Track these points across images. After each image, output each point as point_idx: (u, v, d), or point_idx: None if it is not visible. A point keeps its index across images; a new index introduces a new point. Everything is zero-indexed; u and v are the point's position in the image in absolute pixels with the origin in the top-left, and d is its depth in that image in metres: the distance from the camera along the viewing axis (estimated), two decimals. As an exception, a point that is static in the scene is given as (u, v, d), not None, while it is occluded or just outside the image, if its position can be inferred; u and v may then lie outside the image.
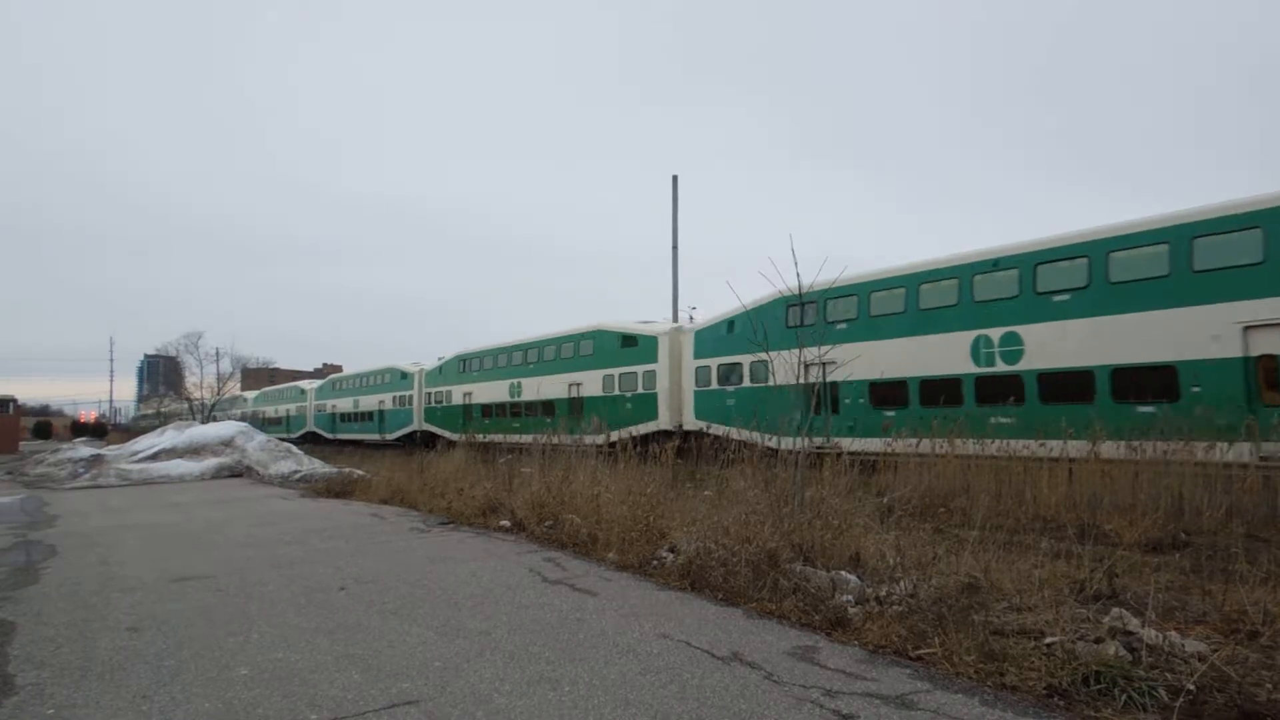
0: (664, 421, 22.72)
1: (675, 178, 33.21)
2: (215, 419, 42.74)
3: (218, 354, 55.54)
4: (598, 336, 25.85)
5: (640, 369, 23.86)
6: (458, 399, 33.63)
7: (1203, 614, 4.77)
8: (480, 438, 22.84)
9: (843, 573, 5.50)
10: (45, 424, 76.86)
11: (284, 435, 40.68)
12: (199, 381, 54.90)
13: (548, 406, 27.52)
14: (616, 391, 24.69)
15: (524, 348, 29.85)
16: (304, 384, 54.44)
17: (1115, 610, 4.46)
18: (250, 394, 62.43)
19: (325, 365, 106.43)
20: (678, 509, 7.88)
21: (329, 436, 44.91)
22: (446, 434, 32.76)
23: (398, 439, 37.70)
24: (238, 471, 21.05)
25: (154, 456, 22.45)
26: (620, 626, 4.99)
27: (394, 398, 39.23)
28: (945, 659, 4.09)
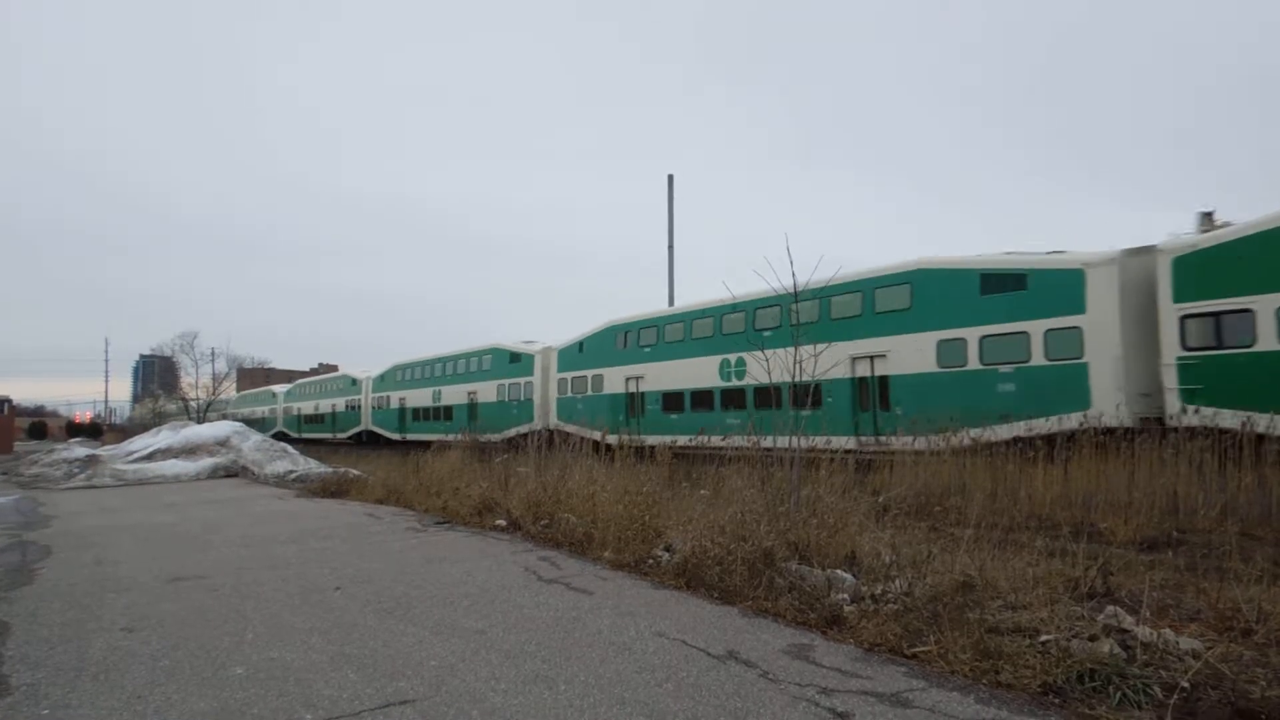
0: (538, 423, 27.11)
1: (670, 177, 33.24)
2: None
3: (213, 354, 55.51)
4: (494, 353, 31.62)
5: (523, 380, 29.42)
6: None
7: (1197, 612, 4.78)
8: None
9: (838, 571, 5.51)
10: (40, 424, 76.73)
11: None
12: (194, 381, 54.89)
13: (448, 411, 33.93)
14: (506, 399, 30.35)
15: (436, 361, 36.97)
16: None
17: (1110, 608, 4.48)
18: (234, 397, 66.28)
19: (321, 365, 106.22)
20: (674, 508, 7.87)
21: None
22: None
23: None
24: (233, 471, 21.00)
25: (149, 456, 22.40)
26: (616, 625, 4.99)
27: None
28: (940, 657, 4.10)
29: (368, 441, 41.14)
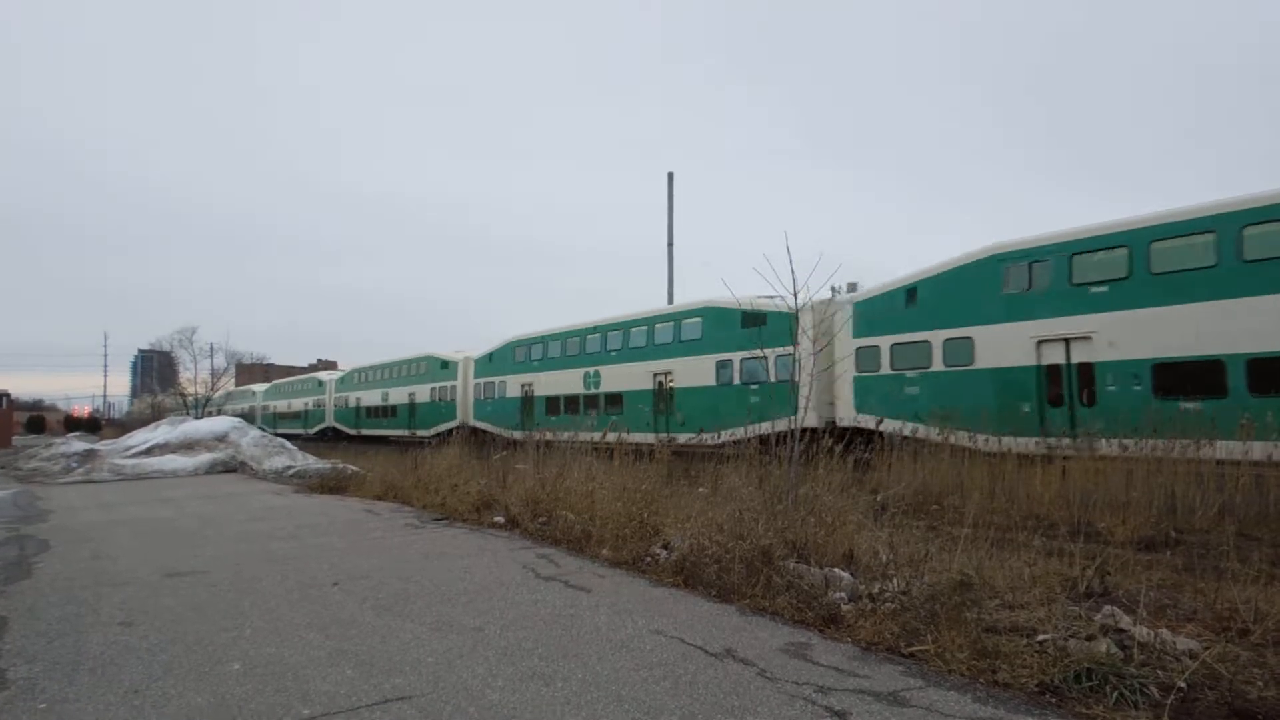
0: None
1: (670, 174, 33.24)
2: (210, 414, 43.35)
3: (212, 349, 55.55)
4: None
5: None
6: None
7: (1194, 612, 4.79)
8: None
9: (836, 570, 5.51)
10: (39, 419, 76.70)
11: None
12: (193, 377, 54.93)
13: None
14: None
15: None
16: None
17: (1107, 608, 4.48)
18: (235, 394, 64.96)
19: (320, 361, 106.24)
20: (672, 506, 7.88)
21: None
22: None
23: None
24: (231, 467, 20.99)
25: (147, 451, 22.37)
26: (613, 623, 4.99)
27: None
28: (938, 656, 4.10)
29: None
